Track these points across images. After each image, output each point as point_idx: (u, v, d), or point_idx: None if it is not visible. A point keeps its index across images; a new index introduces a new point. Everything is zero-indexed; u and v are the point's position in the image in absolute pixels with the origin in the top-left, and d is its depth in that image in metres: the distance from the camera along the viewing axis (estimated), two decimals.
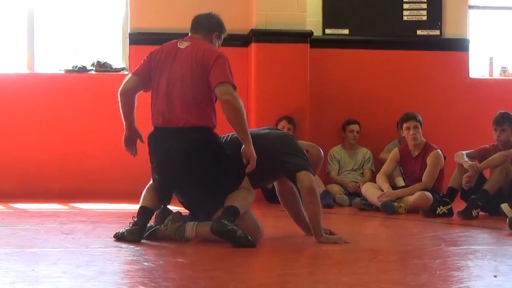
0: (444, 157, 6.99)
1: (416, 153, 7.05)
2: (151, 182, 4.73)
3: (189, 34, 4.86)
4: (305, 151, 4.71)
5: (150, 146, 4.64)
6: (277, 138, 4.75)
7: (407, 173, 7.23)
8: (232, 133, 4.68)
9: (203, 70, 4.53)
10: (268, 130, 4.89)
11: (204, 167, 4.48)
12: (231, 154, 4.52)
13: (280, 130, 5.32)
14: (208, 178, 4.49)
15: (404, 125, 7.06)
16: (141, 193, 4.74)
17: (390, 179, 7.28)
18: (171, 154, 4.51)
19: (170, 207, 4.80)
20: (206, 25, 4.87)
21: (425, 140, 7.08)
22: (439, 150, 6.97)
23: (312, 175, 4.60)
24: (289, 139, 4.77)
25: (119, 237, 4.57)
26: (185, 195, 4.67)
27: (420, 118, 7.14)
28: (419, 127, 7.05)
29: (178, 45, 4.74)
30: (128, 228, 4.58)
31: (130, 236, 4.53)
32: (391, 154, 7.26)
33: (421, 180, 6.88)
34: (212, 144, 4.52)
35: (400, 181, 7.40)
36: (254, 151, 4.46)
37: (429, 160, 6.91)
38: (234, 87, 4.50)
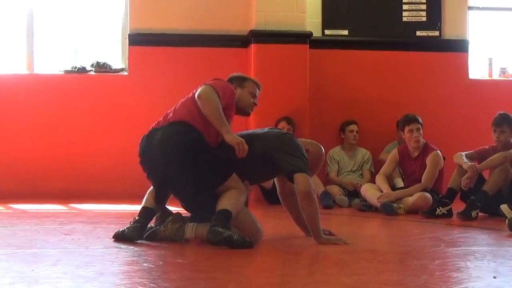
0: (444, 158, 7.00)
1: (416, 154, 7.05)
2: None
3: None
4: (304, 151, 4.69)
5: (140, 144, 4.72)
6: (276, 136, 4.74)
7: (406, 174, 7.23)
8: None
9: None
10: (268, 130, 4.90)
11: (183, 157, 4.47)
12: (215, 148, 4.55)
13: (280, 129, 5.32)
14: (189, 169, 4.48)
15: (407, 128, 7.04)
16: (140, 194, 4.77)
17: (390, 180, 7.28)
18: (151, 145, 4.58)
19: (170, 208, 4.81)
20: None
21: (424, 141, 7.08)
22: (438, 151, 6.97)
23: (309, 177, 4.59)
24: (288, 138, 4.76)
25: (119, 236, 4.58)
26: (174, 190, 4.68)
27: (421, 120, 7.14)
28: (421, 129, 7.05)
29: None
30: (129, 226, 4.58)
31: (131, 232, 4.54)
32: (391, 155, 7.26)
33: (421, 181, 6.89)
34: (191, 134, 4.52)
35: (400, 182, 7.40)
36: (235, 136, 4.51)
37: (428, 161, 6.91)
38: (214, 90, 4.55)
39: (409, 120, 7.08)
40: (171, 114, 4.67)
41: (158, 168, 4.59)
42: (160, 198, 4.69)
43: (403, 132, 7.11)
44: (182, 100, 4.77)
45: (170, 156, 4.49)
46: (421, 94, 8.54)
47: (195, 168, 4.48)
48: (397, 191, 6.95)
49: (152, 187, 4.73)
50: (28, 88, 8.08)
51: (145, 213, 4.64)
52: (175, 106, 4.74)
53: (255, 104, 4.92)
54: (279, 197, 4.99)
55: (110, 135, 8.12)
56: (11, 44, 8.41)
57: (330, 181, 7.93)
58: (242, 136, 4.63)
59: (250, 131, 5.10)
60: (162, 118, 4.72)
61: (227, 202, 4.47)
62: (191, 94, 4.76)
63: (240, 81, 4.88)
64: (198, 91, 4.59)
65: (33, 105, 8.04)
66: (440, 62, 8.62)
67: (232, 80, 4.89)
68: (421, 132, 7.04)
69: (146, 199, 4.70)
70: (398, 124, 7.44)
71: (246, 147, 4.48)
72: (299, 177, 4.54)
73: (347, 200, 7.48)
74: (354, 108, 8.38)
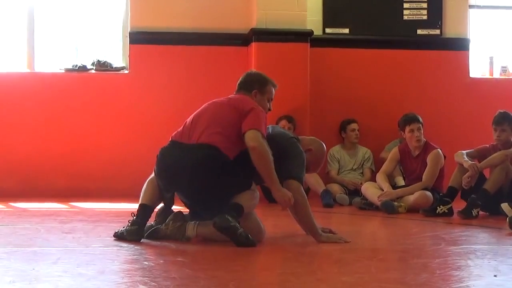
0: (444, 156, 6.99)
1: (417, 153, 7.04)
2: (151, 176, 4.72)
3: None
4: (304, 159, 4.71)
5: (159, 157, 4.65)
6: (281, 142, 4.72)
7: (407, 173, 7.22)
8: None
9: (236, 112, 4.60)
10: (271, 129, 4.88)
11: (209, 183, 4.49)
12: (238, 168, 4.53)
13: (283, 130, 5.29)
14: (212, 191, 4.51)
15: (407, 128, 7.02)
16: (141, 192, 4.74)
17: (391, 178, 7.28)
18: (177, 168, 4.52)
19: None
20: (244, 85, 4.88)
21: (425, 140, 7.07)
22: (439, 150, 6.97)
23: (300, 184, 4.62)
24: (291, 144, 4.74)
25: (119, 236, 4.58)
26: (189, 200, 4.71)
27: (421, 119, 7.14)
28: (422, 128, 7.04)
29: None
30: (128, 227, 4.57)
31: (130, 236, 4.53)
32: (391, 154, 7.25)
33: (421, 180, 6.88)
34: (219, 160, 4.50)
35: (401, 181, 7.40)
36: (284, 192, 4.52)
37: (429, 159, 6.90)
38: (263, 136, 4.55)
39: (410, 119, 7.07)
40: (198, 131, 4.57)
41: (183, 186, 4.57)
42: (170, 204, 4.71)
43: (404, 132, 7.09)
44: (208, 112, 4.66)
45: (201, 181, 4.49)
46: (422, 93, 8.53)
47: (221, 189, 4.50)
48: (398, 190, 6.95)
49: (149, 179, 4.71)
50: (29, 87, 8.08)
51: (143, 212, 4.62)
52: (200, 118, 4.63)
53: (270, 110, 4.92)
54: None
55: (110, 133, 8.12)
56: (12, 42, 8.40)
57: (330, 180, 7.93)
58: None
59: None
60: (187, 130, 4.61)
61: (242, 199, 4.50)
62: (216, 106, 4.67)
63: (261, 86, 4.85)
64: (250, 139, 4.47)
65: (33, 104, 8.04)
66: (441, 60, 8.62)
67: (253, 83, 4.84)
68: (422, 131, 7.04)
69: (143, 196, 4.68)
70: (398, 124, 7.41)
71: (292, 201, 4.54)
72: (288, 183, 4.60)
73: (347, 199, 7.48)
74: (355, 107, 8.38)
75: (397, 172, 7.46)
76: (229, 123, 4.57)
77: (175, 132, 4.71)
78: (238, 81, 4.91)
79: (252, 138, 4.49)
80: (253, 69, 5.01)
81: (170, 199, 4.68)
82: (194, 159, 4.48)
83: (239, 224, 4.38)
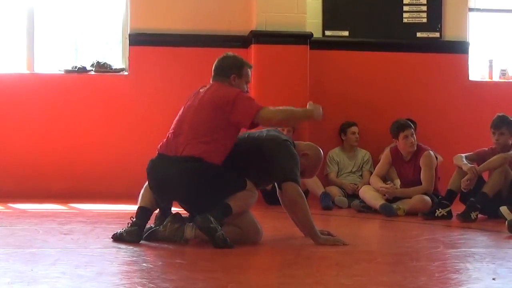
0: (436, 157, 6.98)
1: (409, 157, 6.99)
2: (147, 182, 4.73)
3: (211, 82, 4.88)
4: (298, 161, 4.70)
5: (148, 171, 4.67)
6: (273, 145, 4.71)
7: (401, 177, 7.15)
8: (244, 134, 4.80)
9: (219, 108, 4.58)
10: (266, 132, 4.87)
11: (199, 192, 4.51)
12: (228, 171, 4.54)
13: (277, 133, 5.27)
14: (204, 198, 4.52)
15: (401, 134, 6.93)
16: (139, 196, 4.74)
17: (390, 181, 7.27)
18: (166, 181, 4.56)
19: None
20: (221, 70, 4.84)
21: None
22: (430, 151, 6.93)
23: (298, 185, 4.61)
24: (284, 147, 4.71)
25: (118, 238, 4.58)
26: (185, 206, 4.76)
27: (410, 123, 7.12)
28: (414, 132, 7.02)
29: (200, 89, 4.84)
30: (127, 228, 4.58)
31: (129, 236, 4.54)
32: (384, 156, 7.21)
33: (416, 183, 6.85)
34: (205, 171, 4.50)
35: (399, 183, 7.38)
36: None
37: (422, 163, 6.86)
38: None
39: (403, 126, 6.97)
40: (182, 143, 4.56)
41: (175, 197, 4.65)
42: (167, 211, 4.73)
43: (397, 139, 7.01)
44: (187, 119, 4.65)
45: (190, 191, 4.52)
46: (421, 96, 8.53)
47: (213, 194, 4.51)
48: (400, 189, 6.95)
49: (145, 187, 4.71)
50: (28, 88, 8.08)
51: (142, 214, 4.63)
52: (182, 128, 4.63)
53: (247, 92, 4.88)
54: (279, 198, 4.99)
55: (110, 134, 8.12)
56: (12, 43, 8.41)
57: (329, 182, 7.93)
58: (241, 140, 4.65)
59: (248, 133, 5.01)
60: (172, 143, 4.61)
61: (234, 198, 4.50)
62: (196, 111, 4.64)
63: (238, 70, 4.80)
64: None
65: (33, 105, 8.04)
66: (440, 63, 8.62)
67: (230, 68, 4.79)
68: (415, 135, 7.01)
69: (142, 198, 4.69)
70: (391, 131, 7.16)
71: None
72: (287, 186, 4.60)
73: (346, 201, 7.48)
74: (354, 109, 8.38)
75: (395, 174, 7.45)
76: (214, 125, 4.56)
77: (160, 143, 4.72)
78: (214, 67, 4.86)
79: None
80: (229, 53, 4.94)
81: (166, 207, 4.71)
82: (179, 172, 4.50)
83: (221, 225, 4.39)
